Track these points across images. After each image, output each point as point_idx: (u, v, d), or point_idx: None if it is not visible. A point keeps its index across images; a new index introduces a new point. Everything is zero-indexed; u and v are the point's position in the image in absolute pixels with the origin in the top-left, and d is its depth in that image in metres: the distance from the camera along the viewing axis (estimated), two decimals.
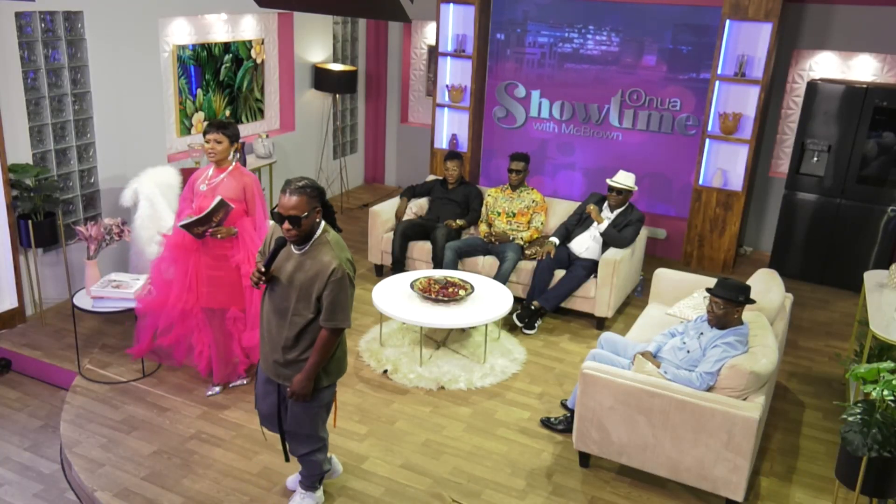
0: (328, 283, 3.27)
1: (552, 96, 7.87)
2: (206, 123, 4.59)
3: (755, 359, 3.93)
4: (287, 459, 3.80)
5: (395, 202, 6.90)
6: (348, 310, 3.35)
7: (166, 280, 4.61)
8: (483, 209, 6.70)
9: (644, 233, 6.43)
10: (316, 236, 3.36)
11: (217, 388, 4.86)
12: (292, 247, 3.38)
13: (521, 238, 6.35)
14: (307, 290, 3.32)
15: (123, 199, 5.66)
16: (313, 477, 3.82)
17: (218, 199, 4.34)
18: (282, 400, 3.59)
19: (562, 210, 6.62)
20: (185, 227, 4.38)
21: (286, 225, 3.26)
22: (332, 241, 3.36)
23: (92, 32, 5.72)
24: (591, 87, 7.68)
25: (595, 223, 6.08)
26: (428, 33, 8.89)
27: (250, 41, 7.56)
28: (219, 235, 4.43)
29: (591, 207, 6.08)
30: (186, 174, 5.67)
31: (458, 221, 6.56)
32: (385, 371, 5.19)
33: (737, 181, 7.06)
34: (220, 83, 7.29)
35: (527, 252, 6.25)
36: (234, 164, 4.54)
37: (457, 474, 4.23)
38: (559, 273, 6.02)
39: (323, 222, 3.39)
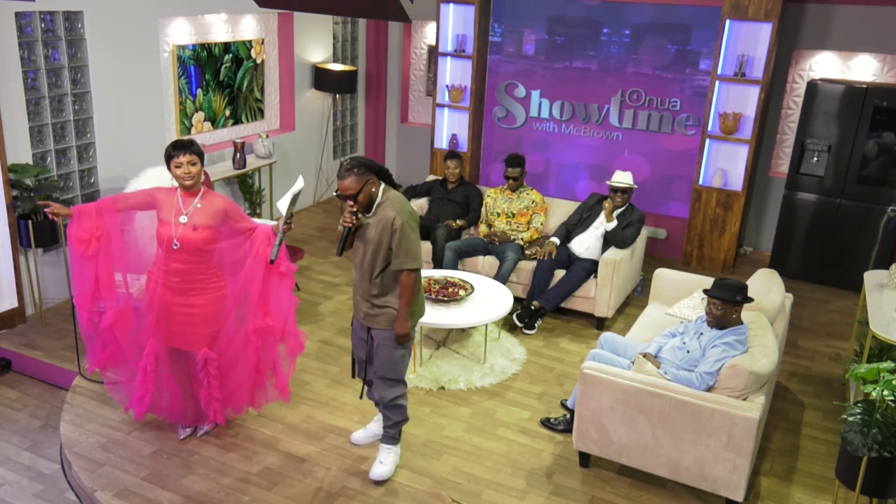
0: (393, 233, 3.76)
1: (552, 96, 7.87)
2: (167, 147, 3.98)
3: (755, 359, 3.93)
4: (361, 396, 4.29)
5: None
6: (415, 252, 3.81)
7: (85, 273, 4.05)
8: (483, 210, 6.69)
9: (644, 233, 6.43)
10: (378, 200, 3.81)
11: (188, 430, 4.42)
12: (362, 215, 3.83)
13: (522, 238, 6.35)
14: (379, 245, 3.79)
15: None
16: (398, 426, 4.17)
17: (300, 179, 4.02)
18: (375, 346, 3.99)
19: (562, 210, 6.62)
20: (293, 198, 3.90)
21: (348, 203, 3.74)
22: (392, 198, 3.83)
23: (92, 32, 5.73)
24: (591, 87, 7.68)
25: (600, 221, 6.05)
26: (428, 33, 8.89)
27: (250, 41, 7.57)
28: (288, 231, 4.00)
29: (608, 204, 6.02)
30: None
31: (459, 222, 6.56)
32: None
33: (737, 181, 7.06)
34: (220, 83, 7.29)
35: (527, 252, 6.24)
36: (202, 187, 4.05)
37: (457, 474, 4.23)
38: (559, 273, 6.02)
39: (382, 185, 3.84)
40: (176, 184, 4.06)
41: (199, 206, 4.00)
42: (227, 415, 4.45)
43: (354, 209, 3.76)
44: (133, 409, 4.33)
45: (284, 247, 4.10)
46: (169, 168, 3.98)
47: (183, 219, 3.98)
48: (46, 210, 3.96)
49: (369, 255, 3.84)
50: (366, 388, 4.26)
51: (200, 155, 4.00)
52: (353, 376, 4.29)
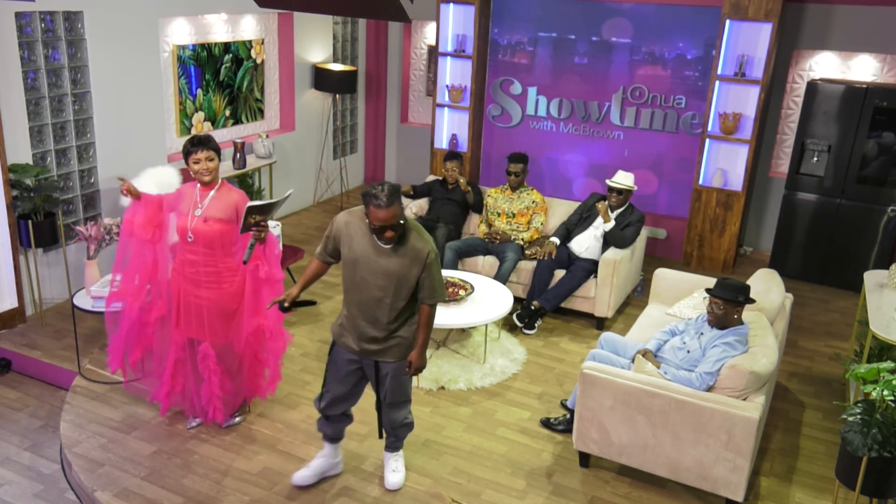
0: (426, 266, 3.57)
1: (550, 94, 7.86)
2: (185, 143, 4.08)
3: (755, 359, 3.93)
4: (381, 436, 3.99)
5: None
6: (443, 284, 3.71)
7: (128, 271, 4.26)
8: (483, 209, 6.69)
9: (644, 233, 6.43)
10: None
11: (196, 421, 4.51)
12: (376, 240, 3.55)
13: (522, 238, 6.35)
14: (405, 277, 3.57)
15: (123, 200, 5.66)
16: (405, 437, 4.08)
17: (290, 192, 4.10)
18: (382, 377, 3.79)
19: (562, 210, 6.62)
20: (249, 208, 3.85)
21: (389, 233, 3.47)
22: (414, 227, 3.63)
23: (92, 32, 5.72)
24: (591, 84, 7.67)
25: (600, 221, 6.06)
26: (428, 33, 8.89)
27: (250, 41, 7.57)
28: (263, 235, 3.94)
29: (602, 205, 6.05)
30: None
31: (468, 187, 6.53)
32: None
33: (737, 181, 7.06)
34: (220, 83, 7.29)
35: (527, 252, 6.24)
36: (220, 180, 4.16)
37: (457, 474, 4.23)
38: (559, 273, 6.02)
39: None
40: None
41: (213, 199, 4.10)
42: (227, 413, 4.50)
43: (394, 238, 3.50)
44: (160, 403, 4.49)
45: (267, 252, 4.12)
46: (187, 163, 4.08)
47: (198, 211, 4.09)
48: (123, 187, 4.12)
49: (392, 289, 3.59)
50: (320, 420, 4.03)
51: (217, 150, 4.10)
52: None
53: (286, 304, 3.70)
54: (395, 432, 4.02)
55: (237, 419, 4.56)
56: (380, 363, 3.76)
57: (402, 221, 3.49)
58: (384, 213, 3.40)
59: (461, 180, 6.55)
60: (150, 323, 4.35)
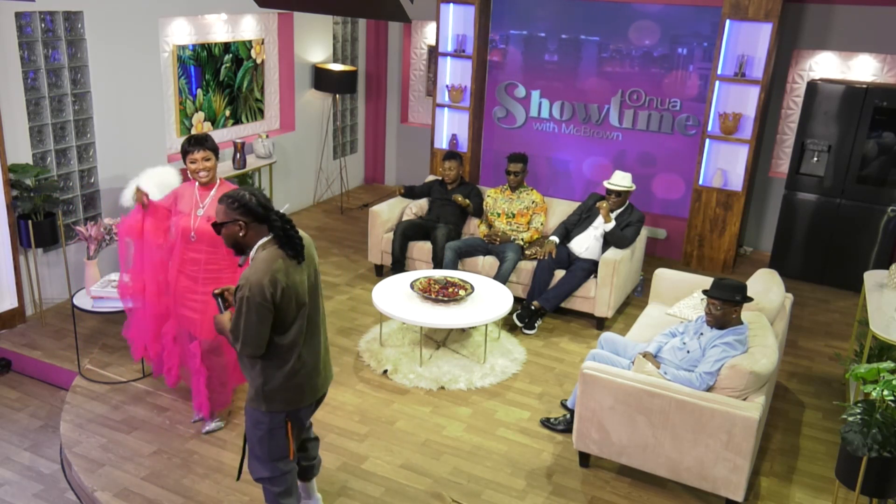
0: (235, 301, 3.08)
1: (552, 96, 7.87)
2: (183, 143, 4.09)
3: (755, 359, 3.93)
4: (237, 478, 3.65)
5: (394, 202, 6.90)
6: (249, 336, 3.02)
7: (135, 270, 4.38)
8: (483, 209, 6.69)
9: (644, 233, 6.43)
10: (252, 254, 3.14)
11: (200, 415, 4.53)
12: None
13: (522, 238, 6.34)
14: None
15: (123, 199, 5.65)
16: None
17: (286, 206, 4.09)
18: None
19: (561, 210, 6.62)
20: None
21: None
22: (258, 258, 3.07)
23: (92, 32, 5.73)
24: (591, 87, 7.68)
25: (600, 221, 6.05)
26: (428, 33, 8.90)
27: (250, 41, 7.57)
28: None
29: (603, 205, 6.04)
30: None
31: (466, 201, 6.52)
32: (385, 371, 5.19)
33: (737, 181, 7.06)
34: (220, 83, 7.29)
35: (527, 252, 6.24)
36: (219, 179, 4.18)
37: (457, 474, 4.23)
38: (559, 273, 6.02)
39: (263, 240, 3.13)
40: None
41: (214, 198, 4.13)
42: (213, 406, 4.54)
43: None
44: (164, 376, 4.61)
45: None
46: (185, 162, 4.13)
47: (200, 211, 4.14)
48: (139, 197, 4.22)
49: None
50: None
51: (215, 150, 4.13)
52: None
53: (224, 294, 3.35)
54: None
55: (214, 424, 4.48)
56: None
57: (221, 227, 3.12)
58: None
59: (458, 198, 6.50)
60: (164, 316, 4.42)
